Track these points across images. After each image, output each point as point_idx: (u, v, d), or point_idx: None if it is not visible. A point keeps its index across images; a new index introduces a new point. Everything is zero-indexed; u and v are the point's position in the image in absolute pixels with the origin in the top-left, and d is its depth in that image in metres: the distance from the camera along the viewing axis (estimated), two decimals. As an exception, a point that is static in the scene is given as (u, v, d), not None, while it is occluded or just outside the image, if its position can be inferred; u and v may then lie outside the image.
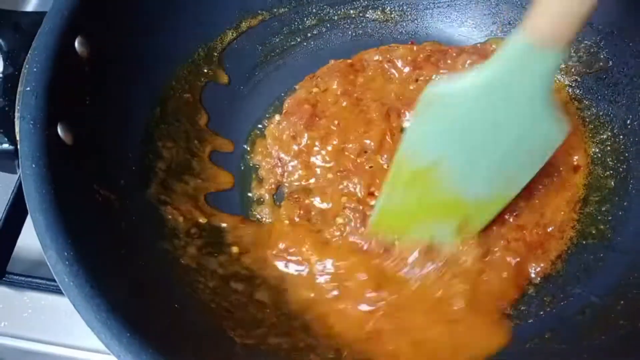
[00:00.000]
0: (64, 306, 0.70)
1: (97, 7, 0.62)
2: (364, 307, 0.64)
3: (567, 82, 0.76)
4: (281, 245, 0.68)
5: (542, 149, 0.60)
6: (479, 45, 0.82)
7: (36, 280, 0.71)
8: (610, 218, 0.67)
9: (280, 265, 0.68)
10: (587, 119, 0.74)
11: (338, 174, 0.72)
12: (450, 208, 0.64)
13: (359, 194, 0.71)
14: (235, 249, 0.68)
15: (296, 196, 0.72)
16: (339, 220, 0.70)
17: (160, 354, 0.46)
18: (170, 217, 0.66)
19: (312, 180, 0.73)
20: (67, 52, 0.58)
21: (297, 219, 0.71)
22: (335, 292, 0.66)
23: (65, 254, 0.48)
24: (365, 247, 0.68)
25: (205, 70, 0.78)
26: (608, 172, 0.70)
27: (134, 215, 0.62)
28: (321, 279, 0.67)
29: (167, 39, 0.72)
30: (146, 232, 0.62)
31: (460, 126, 0.58)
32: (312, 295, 0.66)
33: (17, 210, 0.70)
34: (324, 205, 0.71)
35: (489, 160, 0.60)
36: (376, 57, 0.82)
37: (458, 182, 0.62)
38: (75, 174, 0.56)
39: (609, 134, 0.71)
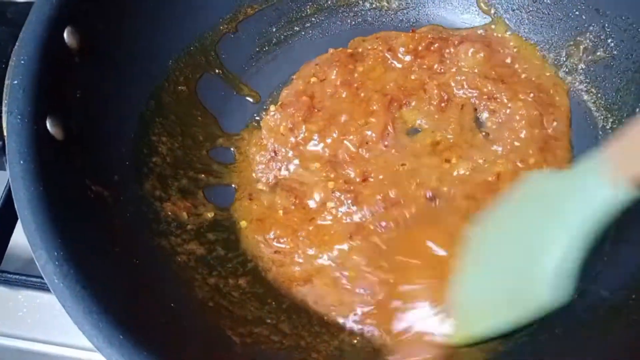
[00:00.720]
0: (59, 304, 0.68)
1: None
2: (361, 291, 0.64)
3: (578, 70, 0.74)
4: (272, 234, 0.67)
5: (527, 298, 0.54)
6: (480, 31, 0.80)
7: (31, 278, 0.69)
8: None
9: (273, 253, 0.67)
10: (595, 108, 0.72)
11: (330, 163, 0.71)
12: None
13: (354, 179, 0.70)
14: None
15: (292, 186, 0.70)
16: (330, 204, 0.68)
17: (155, 356, 0.44)
18: (167, 213, 0.64)
19: (307, 172, 0.71)
20: (56, 44, 0.56)
21: (292, 207, 0.69)
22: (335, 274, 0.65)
23: (55, 253, 0.47)
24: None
25: (201, 62, 0.76)
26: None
27: (129, 212, 0.60)
28: (318, 263, 0.66)
29: (161, 30, 0.70)
30: (141, 230, 0.60)
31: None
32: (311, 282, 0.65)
33: (10, 207, 0.67)
34: (318, 194, 0.69)
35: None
36: (375, 46, 0.79)
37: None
38: (66, 170, 0.54)
39: (617, 122, 0.69)
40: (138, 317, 0.48)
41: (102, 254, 0.52)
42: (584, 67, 0.74)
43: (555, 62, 0.76)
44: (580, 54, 0.74)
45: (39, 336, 0.71)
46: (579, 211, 0.50)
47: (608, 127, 0.70)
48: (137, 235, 0.59)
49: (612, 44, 0.70)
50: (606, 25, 0.70)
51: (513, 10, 0.79)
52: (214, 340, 0.55)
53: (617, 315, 0.56)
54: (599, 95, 0.72)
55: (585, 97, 0.73)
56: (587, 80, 0.73)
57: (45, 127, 0.53)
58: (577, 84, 0.74)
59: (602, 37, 0.71)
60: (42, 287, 0.68)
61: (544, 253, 0.52)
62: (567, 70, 0.75)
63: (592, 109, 0.72)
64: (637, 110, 0.67)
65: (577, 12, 0.73)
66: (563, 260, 0.51)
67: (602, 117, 0.71)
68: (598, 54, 0.72)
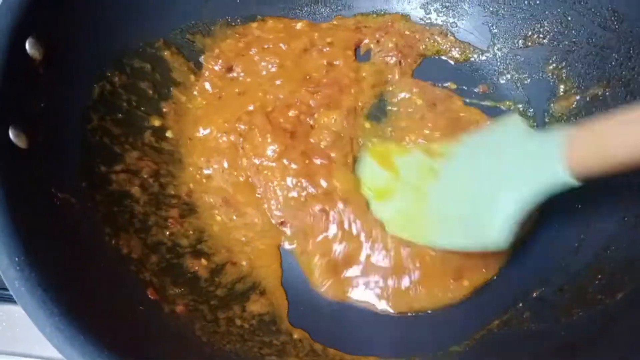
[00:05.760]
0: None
1: (49, 6, 0.60)
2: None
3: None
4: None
5: (478, 232, 0.59)
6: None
7: (7, 292, 0.69)
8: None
9: None
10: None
11: None
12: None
13: None
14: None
15: None
16: None
17: (117, 356, 0.44)
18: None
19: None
20: (17, 54, 0.57)
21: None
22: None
23: (17, 258, 0.47)
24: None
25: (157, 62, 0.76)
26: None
27: (96, 215, 0.60)
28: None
29: (123, 33, 0.70)
30: (109, 232, 0.60)
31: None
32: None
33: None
34: None
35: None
36: None
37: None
38: (30, 178, 0.54)
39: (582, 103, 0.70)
40: (101, 319, 0.48)
41: (66, 258, 0.52)
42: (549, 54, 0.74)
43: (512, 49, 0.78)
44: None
45: (18, 349, 0.70)
46: (534, 178, 0.54)
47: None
48: (105, 238, 0.59)
49: (574, 31, 0.71)
50: (566, 12, 0.71)
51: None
52: (182, 340, 0.55)
53: (585, 296, 0.57)
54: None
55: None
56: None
57: (8, 136, 0.53)
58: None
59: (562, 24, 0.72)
60: (18, 300, 0.68)
61: (496, 202, 0.57)
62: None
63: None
64: (600, 94, 0.68)
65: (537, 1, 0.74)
66: (508, 215, 0.55)
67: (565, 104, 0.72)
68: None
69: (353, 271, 0.66)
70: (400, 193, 0.66)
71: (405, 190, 0.66)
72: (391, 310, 0.64)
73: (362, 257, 0.66)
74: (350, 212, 0.67)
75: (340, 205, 0.68)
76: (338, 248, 0.66)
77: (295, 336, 0.62)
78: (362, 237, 0.67)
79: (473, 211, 0.59)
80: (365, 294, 0.65)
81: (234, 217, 0.69)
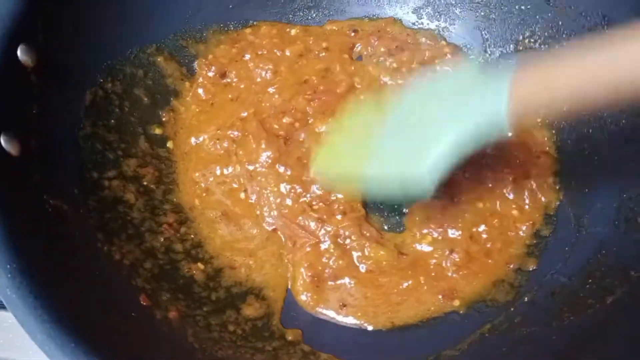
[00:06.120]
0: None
1: (41, 13, 0.60)
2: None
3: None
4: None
5: (410, 170, 0.58)
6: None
7: None
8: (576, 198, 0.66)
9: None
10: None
11: None
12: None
13: None
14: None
15: None
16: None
17: (108, 362, 0.44)
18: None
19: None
20: (9, 61, 0.57)
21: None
22: None
23: (8, 266, 0.47)
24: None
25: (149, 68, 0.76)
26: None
27: (89, 222, 0.60)
28: None
29: (115, 39, 0.70)
30: (102, 239, 0.60)
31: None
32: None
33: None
34: None
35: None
36: None
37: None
38: (22, 184, 0.55)
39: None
40: (93, 326, 0.48)
41: (58, 265, 0.52)
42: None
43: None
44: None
45: (12, 356, 0.70)
46: (474, 118, 0.53)
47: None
48: (97, 245, 0.59)
49: (564, 35, 0.71)
50: (557, 16, 0.71)
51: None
52: (174, 347, 0.56)
53: (576, 300, 0.57)
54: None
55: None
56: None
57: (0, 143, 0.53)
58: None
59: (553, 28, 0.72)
60: (7, 307, 0.68)
61: (435, 143, 0.56)
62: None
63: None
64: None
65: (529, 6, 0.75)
66: (439, 155, 0.55)
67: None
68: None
69: (337, 287, 0.65)
70: (344, 142, 0.66)
71: (350, 138, 0.66)
72: (370, 328, 0.64)
73: (350, 275, 0.65)
74: (346, 227, 0.67)
75: (339, 217, 0.67)
76: (326, 262, 0.66)
77: (290, 338, 0.62)
78: (354, 255, 0.66)
79: (410, 150, 0.58)
80: (345, 312, 0.64)
81: (235, 231, 0.69)
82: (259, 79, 0.78)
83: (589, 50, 0.47)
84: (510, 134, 0.53)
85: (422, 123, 0.59)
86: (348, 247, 0.66)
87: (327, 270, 0.65)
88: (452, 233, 0.67)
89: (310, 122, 0.73)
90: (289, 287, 0.66)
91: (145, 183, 0.69)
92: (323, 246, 0.66)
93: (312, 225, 0.67)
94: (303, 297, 0.65)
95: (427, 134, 0.57)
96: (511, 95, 0.50)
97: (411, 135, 0.59)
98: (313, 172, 0.68)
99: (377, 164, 0.62)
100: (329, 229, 0.67)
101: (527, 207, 0.68)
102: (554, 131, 0.72)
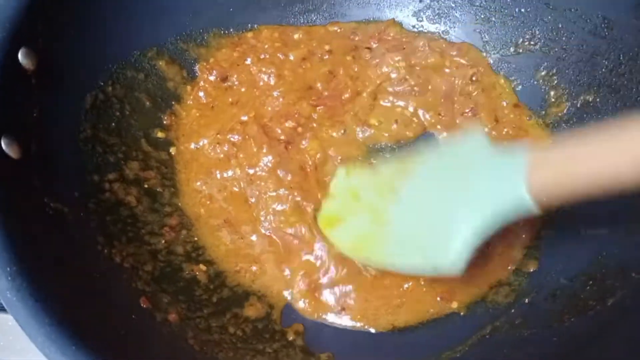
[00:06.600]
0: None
1: (42, 17, 0.60)
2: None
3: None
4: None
5: (436, 255, 0.57)
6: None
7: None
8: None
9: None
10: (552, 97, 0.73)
11: None
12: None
13: None
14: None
15: None
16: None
17: (109, 365, 0.44)
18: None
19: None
20: (10, 65, 0.57)
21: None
22: None
23: (8, 268, 0.47)
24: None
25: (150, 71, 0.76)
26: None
27: (89, 224, 0.60)
28: None
29: (116, 42, 0.70)
30: (102, 241, 0.60)
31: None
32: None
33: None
34: None
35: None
36: None
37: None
38: (23, 187, 0.55)
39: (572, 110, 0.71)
40: (94, 329, 0.48)
41: (59, 268, 0.52)
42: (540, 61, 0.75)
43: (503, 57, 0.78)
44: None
45: (12, 358, 0.70)
46: (495, 201, 0.52)
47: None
48: (98, 248, 0.59)
49: (564, 37, 0.71)
50: (557, 19, 0.71)
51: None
52: (174, 349, 0.56)
53: (576, 301, 0.57)
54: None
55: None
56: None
57: (0, 146, 0.53)
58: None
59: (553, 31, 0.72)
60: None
61: (456, 225, 0.55)
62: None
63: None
64: (590, 101, 0.68)
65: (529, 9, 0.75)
66: (466, 240, 0.54)
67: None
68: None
69: (334, 294, 0.65)
70: (357, 214, 0.64)
71: (363, 211, 0.63)
72: (371, 330, 0.64)
73: (352, 283, 0.65)
74: None
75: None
76: (323, 271, 0.66)
77: (290, 339, 0.62)
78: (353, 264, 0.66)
79: (432, 233, 0.57)
80: (345, 315, 0.64)
81: (237, 239, 0.69)
82: (261, 83, 0.78)
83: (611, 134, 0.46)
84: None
85: (441, 204, 0.58)
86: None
87: (324, 279, 0.65)
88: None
89: (314, 127, 0.73)
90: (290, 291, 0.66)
91: (146, 186, 0.69)
92: (319, 254, 0.66)
93: (307, 234, 0.67)
94: (301, 304, 0.65)
95: (448, 218, 0.56)
96: (529, 178, 0.49)
97: (431, 218, 0.58)
98: (322, 230, 0.66)
99: (399, 250, 0.60)
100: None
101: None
102: (554, 131, 0.72)
